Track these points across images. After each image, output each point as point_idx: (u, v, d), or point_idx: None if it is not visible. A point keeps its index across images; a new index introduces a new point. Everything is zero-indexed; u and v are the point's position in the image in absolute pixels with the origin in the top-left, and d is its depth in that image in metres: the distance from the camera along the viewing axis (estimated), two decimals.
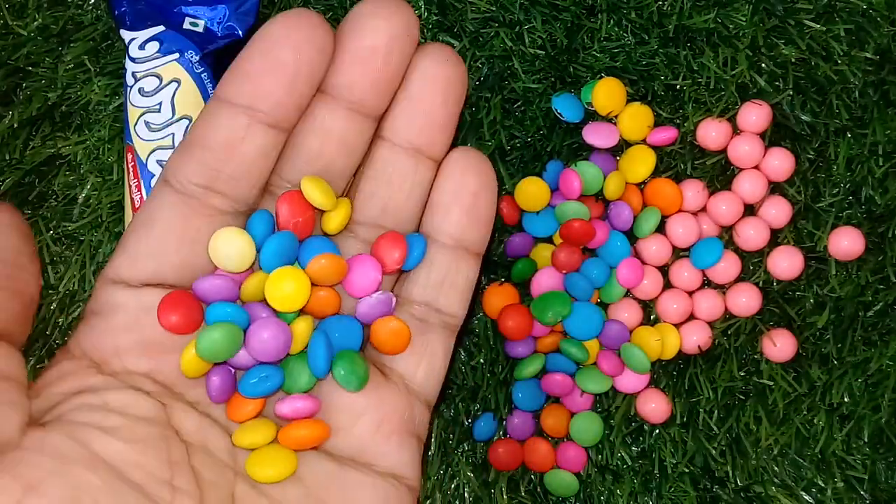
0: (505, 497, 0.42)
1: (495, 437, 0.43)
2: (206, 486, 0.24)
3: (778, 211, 0.41)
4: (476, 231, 0.28)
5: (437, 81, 0.27)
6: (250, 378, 0.26)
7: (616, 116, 0.42)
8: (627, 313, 0.42)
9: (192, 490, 0.24)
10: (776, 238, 0.42)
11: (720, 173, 0.42)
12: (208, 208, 0.26)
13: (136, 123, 0.41)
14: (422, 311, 0.28)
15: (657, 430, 0.42)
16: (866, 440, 0.41)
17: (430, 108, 0.27)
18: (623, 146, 0.42)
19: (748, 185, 0.41)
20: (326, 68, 0.26)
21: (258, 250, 0.26)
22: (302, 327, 0.27)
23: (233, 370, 0.27)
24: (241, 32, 0.42)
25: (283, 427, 0.26)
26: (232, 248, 0.26)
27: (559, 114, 0.41)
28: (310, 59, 0.25)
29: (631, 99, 0.42)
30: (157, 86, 0.41)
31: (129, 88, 0.41)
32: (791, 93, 0.41)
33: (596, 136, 0.41)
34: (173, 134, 0.40)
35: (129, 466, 0.23)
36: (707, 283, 0.42)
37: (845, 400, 0.42)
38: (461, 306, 0.29)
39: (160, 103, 0.40)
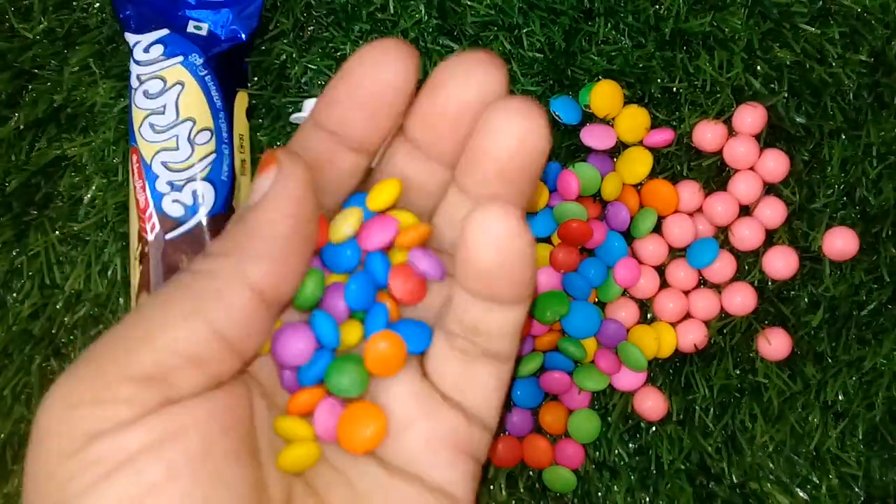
0: (504, 493, 0.43)
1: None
2: (271, 482, 0.25)
3: (773, 211, 0.42)
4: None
5: (514, 136, 0.25)
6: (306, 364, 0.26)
7: (613, 118, 0.42)
8: (625, 312, 0.42)
9: (280, 488, 0.25)
10: (771, 238, 0.42)
11: (716, 174, 0.43)
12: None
13: (140, 125, 0.41)
14: (466, 343, 0.27)
15: (654, 428, 0.42)
16: (860, 437, 0.42)
17: (506, 165, 0.26)
18: (620, 148, 0.42)
19: (743, 186, 0.42)
20: (411, 92, 0.26)
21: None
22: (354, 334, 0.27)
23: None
24: (244, 36, 0.42)
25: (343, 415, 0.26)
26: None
27: (557, 116, 0.42)
28: (395, 89, 0.25)
29: (628, 101, 0.42)
30: (162, 88, 0.41)
31: (133, 91, 0.41)
32: (786, 95, 0.42)
33: (593, 137, 0.41)
34: (177, 135, 0.41)
35: (247, 438, 0.24)
36: (703, 283, 0.43)
37: (839, 398, 0.42)
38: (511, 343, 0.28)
39: (164, 105, 0.41)
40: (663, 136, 0.42)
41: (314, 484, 0.26)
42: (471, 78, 0.25)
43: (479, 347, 0.27)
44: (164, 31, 0.41)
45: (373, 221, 0.27)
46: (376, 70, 0.25)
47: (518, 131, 0.25)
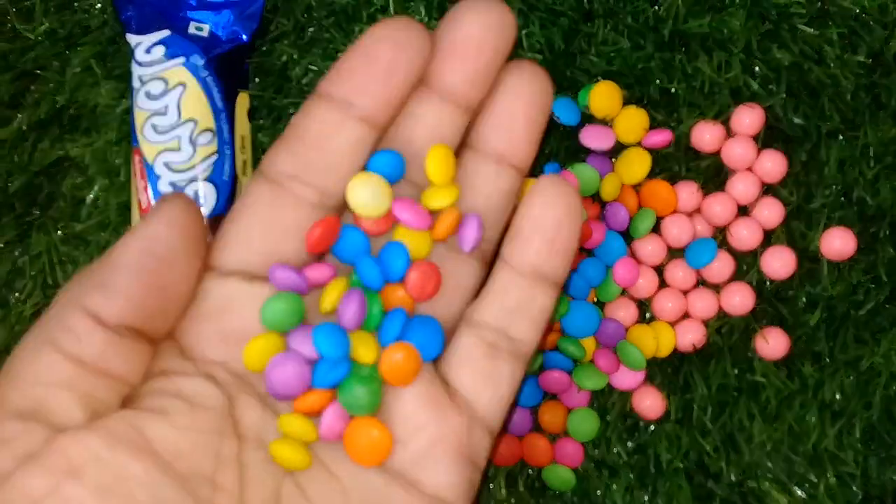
0: (504, 491, 0.43)
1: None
2: (250, 483, 0.24)
3: (771, 212, 0.42)
4: (556, 261, 0.27)
5: (524, 95, 0.27)
6: (322, 367, 0.25)
7: (612, 119, 0.42)
8: (623, 312, 0.42)
9: (233, 488, 0.24)
10: (769, 238, 0.42)
11: (714, 175, 0.43)
12: (297, 199, 0.26)
13: (142, 126, 0.41)
14: (493, 336, 0.27)
15: (652, 427, 0.43)
16: (858, 436, 0.42)
17: (516, 120, 0.27)
18: (619, 148, 0.43)
19: (742, 187, 0.42)
20: (423, 69, 0.26)
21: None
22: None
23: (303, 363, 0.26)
24: (245, 37, 0.42)
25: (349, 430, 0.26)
26: (367, 192, 0.26)
27: (556, 117, 0.42)
28: (408, 58, 0.26)
29: (627, 102, 0.43)
30: (164, 89, 0.41)
31: (135, 92, 0.41)
32: (784, 96, 0.42)
33: (592, 138, 0.42)
34: (179, 136, 0.41)
35: (176, 457, 0.23)
36: (701, 283, 0.43)
37: (837, 397, 0.42)
38: (534, 335, 0.28)
39: (166, 106, 0.41)
40: (662, 137, 0.42)
41: (304, 486, 0.25)
42: (475, 14, 0.27)
43: (507, 341, 0.27)
44: (166, 33, 0.42)
45: (404, 206, 0.27)
46: (394, 45, 0.25)
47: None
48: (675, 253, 0.43)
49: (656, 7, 0.42)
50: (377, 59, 0.25)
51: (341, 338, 0.25)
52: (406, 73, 0.26)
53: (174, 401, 0.24)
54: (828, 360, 0.42)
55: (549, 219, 0.27)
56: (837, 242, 0.41)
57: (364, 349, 0.26)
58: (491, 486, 0.43)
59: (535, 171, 0.42)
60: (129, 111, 0.43)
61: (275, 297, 0.25)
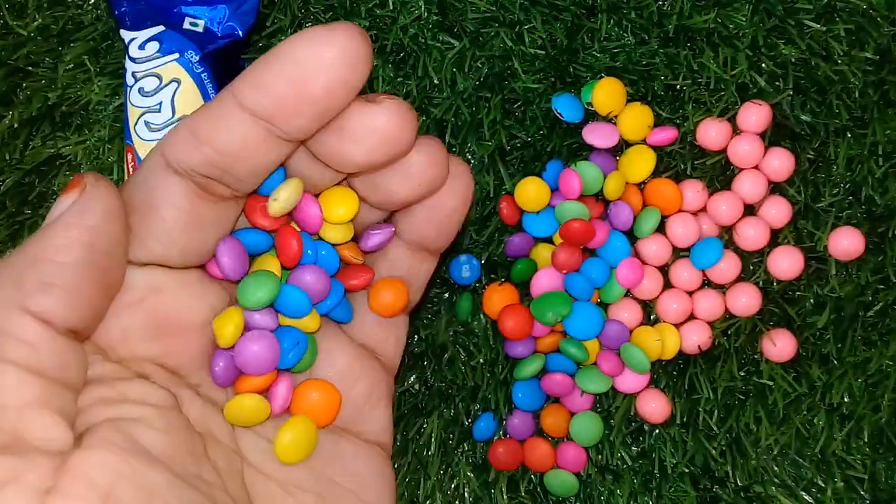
0: (505, 497, 0.42)
1: (495, 437, 0.43)
2: (224, 475, 0.24)
3: (778, 211, 0.41)
4: (442, 241, 0.29)
5: (455, 193, 0.27)
6: (286, 348, 0.26)
7: (616, 116, 0.42)
8: (627, 313, 0.42)
9: (218, 481, 0.24)
10: (776, 238, 0.42)
11: (720, 173, 0.42)
12: (212, 195, 0.25)
13: (136, 123, 0.40)
14: None
15: (657, 430, 0.42)
16: (866, 440, 0.41)
17: (443, 215, 0.28)
18: (623, 146, 0.42)
19: (748, 185, 0.41)
20: (359, 86, 0.24)
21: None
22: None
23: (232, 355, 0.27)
24: (240, 32, 0.42)
25: (297, 396, 0.27)
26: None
27: (559, 114, 0.41)
28: (343, 94, 0.23)
29: (631, 99, 0.42)
30: (157, 86, 0.41)
31: (129, 88, 0.41)
32: (791, 93, 0.41)
33: (596, 136, 0.41)
34: None
35: (170, 460, 0.22)
36: (707, 283, 0.42)
37: (845, 400, 0.41)
38: (419, 294, 0.30)
39: (160, 103, 0.40)
40: (667, 135, 0.41)
41: (263, 468, 0.26)
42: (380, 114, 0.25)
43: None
44: (160, 28, 0.41)
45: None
46: (326, 65, 0.22)
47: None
48: (680, 253, 0.42)
49: (660, 2, 0.42)
50: (307, 90, 0.23)
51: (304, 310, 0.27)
52: (341, 103, 0.24)
53: (134, 406, 0.23)
54: (836, 362, 0.42)
55: (447, 207, 0.28)
56: (845, 242, 0.41)
57: (311, 320, 0.27)
58: (492, 491, 0.42)
59: (539, 169, 0.42)
60: (122, 108, 0.42)
61: (257, 274, 0.26)
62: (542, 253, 0.41)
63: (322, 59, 0.22)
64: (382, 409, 0.28)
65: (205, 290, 0.26)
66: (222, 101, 0.23)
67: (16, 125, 0.44)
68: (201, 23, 0.41)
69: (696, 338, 0.41)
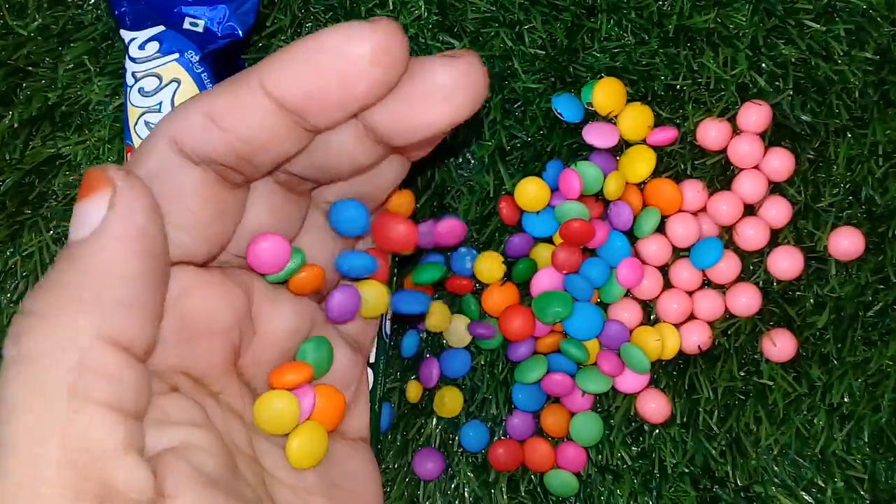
0: (505, 497, 0.42)
1: (494, 439, 0.43)
2: (254, 487, 0.23)
3: (778, 211, 0.41)
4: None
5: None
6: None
7: (616, 116, 0.42)
8: (627, 313, 0.42)
9: (254, 496, 0.22)
10: (776, 238, 0.42)
11: (720, 173, 0.42)
12: (228, 182, 0.23)
13: (136, 124, 0.40)
14: None
15: (657, 430, 0.42)
16: (866, 440, 0.41)
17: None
18: (623, 146, 0.42)
19: (748, 185, 0.41)
20: (395, 81, 0.22)
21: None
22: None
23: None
24: (241, 32, 0.42)
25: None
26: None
27: (559, 114, 0.41)
28: (382, 90, 0.22)
29: (631, 99, 0.42)
30: (158, 86, 0.41)
31: (129, 88, 0.41)
32: (791, 93, 0.41)
33: (596, 136, 0.41)
34: None
35: (223, 483, 0.21)
36: (707, 283, 0.42)
37: (845, 400, 0.41)
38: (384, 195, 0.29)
39: (160, 103, 0.40)
40: (667, 135, 0.41)
41: (283, 476, 0.25)
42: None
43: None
44: (160, 28, 0.41)
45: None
46: (369, 61, 0.21)
47: None
48: (680, 253, 0.42)
49: (660, 2, 0.42)
50: (345, 86, 0.22)
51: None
52: (371, 99, 0.22)
53: (181, 429, 0.21)
54: (836, 362, 0.42)
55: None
56: (845, 242, 0.41)
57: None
58: (492, 491, 0.42)
59: (538, 169, 0.42)
60: (122, 108, 0.42)
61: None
62: (542, 253, 0.41)
63: (365, 55, 0.21)
64: (364, 404, 0.28)
65: (228, 292, 0.24)
66: (246, 88, 0.22)
67: (16, 125, 0.43)
68: (201, 23, 0.41)
69: (696, 338, 0.41)
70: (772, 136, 0.42)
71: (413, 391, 0.42)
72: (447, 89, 0.22)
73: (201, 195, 0.23)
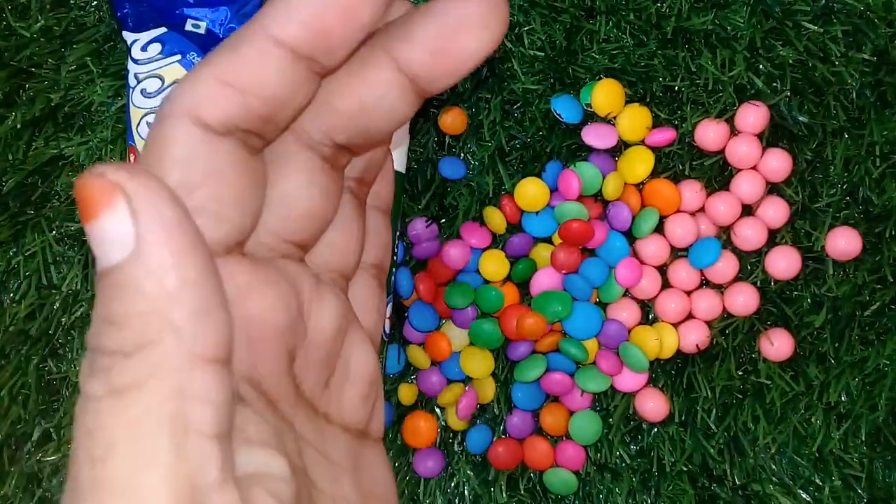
0: (504, 495, 0.42)
1: (494, 439, 0.43)
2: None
3: (776, 211, 0.41)
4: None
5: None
6: None
7: (615, 117, 0.42)
8: (626, 313, 0.42)
9: None
10: (774, 238, 0.42)
11: (718, 174, 0.42)
12: (252, 149, 0.21)
13: (138, 125, 0.41)
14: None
15: (656, 429, 0.42)
16: (863, 439, 0.42)
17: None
18: (622, 147, 0.42)
19: (746, 186, 0.41)
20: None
21: None
22: None
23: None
24: None
25: None
26: None
27: (558, 115, 0.42)
28: (381, 11, 0.20)
29: (629, 100, 0.42)
30: (160, 87, 0.41)
31: (131, 90, 0.41)
32: (788, 94, 0.42)
33: (595, 136, 0.41)
34: None
35: None
36: (705, 283, 0.42)
37: (842, 399, 0.42)
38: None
39: None
40: (665, 136, 0.41)
41: (321, 487, 0.23)
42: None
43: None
44: (163, 30, 0.41)
45: None
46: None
47: None
48: (678, 253, 0.42)
49: (659, 3, 0.42)
50: (356, 21, 0.20)
51: None
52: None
53: (260, 452, 0.20)
54: (833, 361, 0.42)
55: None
56: (843, 242, 0.41)
57: None
58: (492, 490, 0.42)
59: (538, 169, 0.42)
60: (124, 109, 0.43)
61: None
62: (542, 253, 0.42)
63: None
64: (381, 402, 0.25)
65: (283, 289, 0.22)
66: (254, 42, 0.20)
67: (19, 126, 0.44)
68: (203, 24, 0.42)
69: (695, 337, 0.42)
70: (769, 137, 0.42)
71: (406, 393, 0.43)
72: (480, 15, 0.21)
73: (237, 169, 0.21)
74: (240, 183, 0.21)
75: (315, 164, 0.22)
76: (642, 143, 0.42)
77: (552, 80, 0.42)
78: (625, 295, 0.42)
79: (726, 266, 0.41)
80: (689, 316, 0.42)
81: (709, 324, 0.42)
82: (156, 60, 0.41)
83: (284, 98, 0.21)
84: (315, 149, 0.22)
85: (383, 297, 0.27)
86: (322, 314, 0.23)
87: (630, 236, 0.42)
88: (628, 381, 0.41)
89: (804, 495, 0.42)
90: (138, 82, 0.41)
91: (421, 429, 0.42)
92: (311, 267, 0.24)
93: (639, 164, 0.41)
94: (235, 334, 0.20)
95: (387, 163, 0.25)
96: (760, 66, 0.42)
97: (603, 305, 0.42)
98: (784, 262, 0.41)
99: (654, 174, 0.42)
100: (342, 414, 0.24)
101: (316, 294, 0.23)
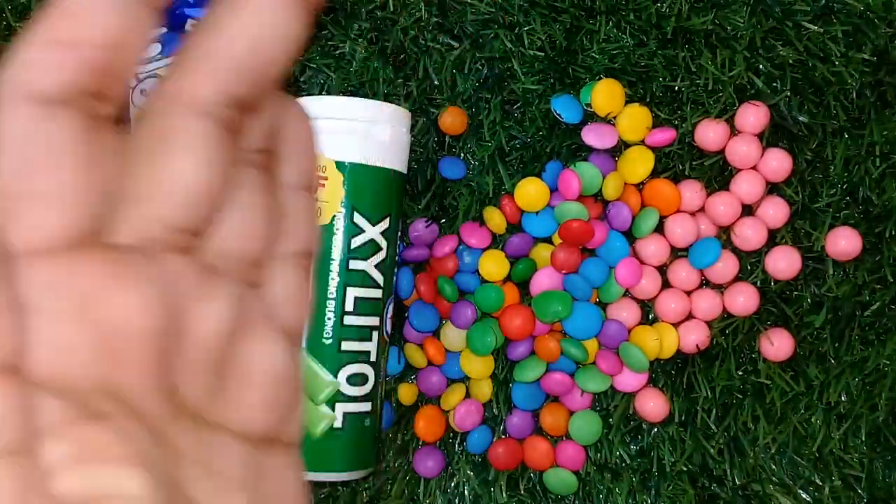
0: (504, 495, 0.42)
1: (494, 439, 0.43)
2: None
3: (776, 211, 0.41)
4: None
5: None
6: None
7: (615, 117, 0.42)
8: (626, 313, 0.42)
9: None
10: (774, 238, 0.42)
11: (718, 174, 0.42)
12: (98, 120, 0.19)
13: None
14: None
15: (656, 429, 0.42)
16: (863, 439, 0.42)
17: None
18: (622, 147, 0.42)
19: (746, 186, 0.41)
20: None
21: None
22: None
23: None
24: None
25: None
26: None
27: (558, 115, 0.42)
28: None
29: (629, 100, 0.42)
30: None
31: (130, 90, 0.41)
32: (788, 94, 0.42)
33: (595, 136, 0.41)
34: None
35: None
36: (705, 283, 0.42)
37: (842, 399, 0.42)
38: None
39: None
40: (665, 136, 0.41)
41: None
42: None
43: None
44: (162, 30, 0.41)
45: None
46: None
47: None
48: (678, 253, 0.42)
49: (659, 3, 0.42)
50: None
51: None
52: None
53: (107, 469, 0.18)
54: (833, 361, 0.42)
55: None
56: (843, 242, 0.41)
57: None
58: (492, 490, 0.42)
59: (538, 169, 0.42)
60: None
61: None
62: (542, 253, 0.42)
63: None
64: (298, 403, 0.23)
65: (154, 284, 0.19)
66: None
67: None
68: None
69: (695, 337, 0.42)
70: (769, 137, 0.42)
71: (406, 393, 0.43)
72: None
73: (85, 145, 0.18)
74: (90, 162, 0.18)
75: (207, 132, 0.19)
76: (642, 143, 0.42)
77: (552, 80, 0.42)
78: (625, 295, 0.42)
79: (726, 266, 0.41)
80: (689, 316, 0.42)
81: (709, 324, 0.42)
82: (155, 61, 0.41)
83: (119, 39, 0.18)
84: (207, 115, 0.19)
85: (309, 288, 0.24)
86: (209, 313, 0.20)
87: (630, 236, 0.42)
88: (628, 381, 0.41)
89: (804, 495, 0.42)
90: (138, 83, 0.41)
91: (434, 421, 0.42)
92: (208, 255, 0.21)
93: (639, 164, 0.41)
94: (85, 341, 0.18)
95: (303, 131, 0.23)
96: (760, 66, 0.42)
97: (603, 305, 0.42)
98: (784, 262, 0.41)
99: (654, 174, 0.42)
100: (242, 421, 0.21)
101: (204, 290, 0.20)
